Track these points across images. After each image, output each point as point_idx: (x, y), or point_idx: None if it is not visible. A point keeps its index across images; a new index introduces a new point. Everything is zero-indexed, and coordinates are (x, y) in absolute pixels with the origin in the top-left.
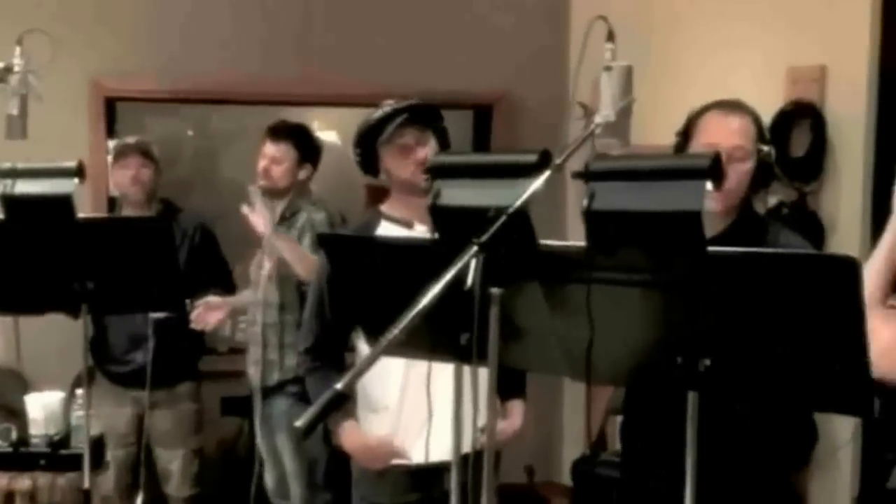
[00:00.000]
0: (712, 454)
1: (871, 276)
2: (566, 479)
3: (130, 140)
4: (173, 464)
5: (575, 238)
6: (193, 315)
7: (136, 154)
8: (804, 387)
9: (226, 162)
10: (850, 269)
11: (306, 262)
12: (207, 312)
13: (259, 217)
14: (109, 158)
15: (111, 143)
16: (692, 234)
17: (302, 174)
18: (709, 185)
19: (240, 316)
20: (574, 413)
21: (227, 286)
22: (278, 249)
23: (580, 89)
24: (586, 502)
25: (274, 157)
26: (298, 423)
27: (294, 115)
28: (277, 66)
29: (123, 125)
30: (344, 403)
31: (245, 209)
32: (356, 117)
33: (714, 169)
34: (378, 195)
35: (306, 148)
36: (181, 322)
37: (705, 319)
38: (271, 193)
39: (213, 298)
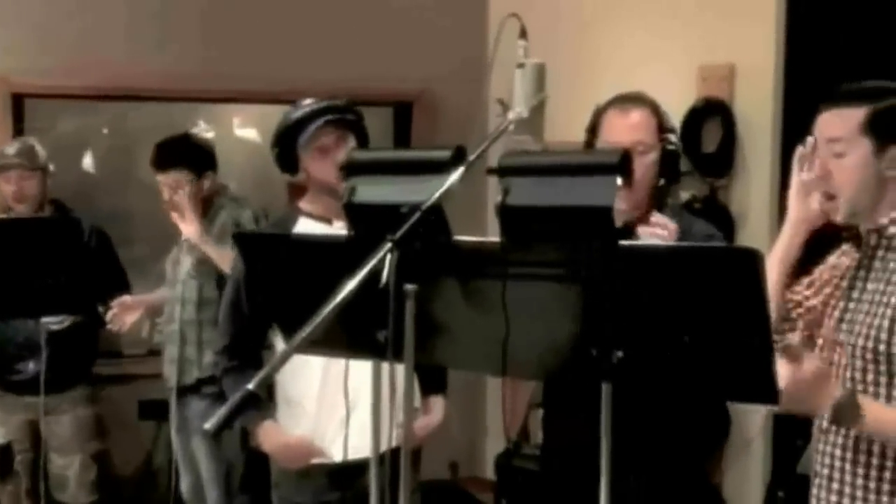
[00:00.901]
0: (628, 445)
1: (773, 266)
2: (490, 473)
3: (10, 150)
4: (69, 470)
5: (496, 234)
6: (109, 315)
7: (17, 166)
8: (713, 376)
9: (142, 160)
10: (752, 261)
11: (230, 260)
12: (124, 312)
13: (189, 225)
14: None
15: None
16: (604, 229)
17: (206, 184)
18: (619, 181)
19: (156, 316)
20: (497, 408)
21: (124, 289)
22: (204, 250)
23: (499, 86)
24: (510, 496)
25: (170, 185)
26: (208, 424)
27: (210, 112)
28: (193, 63)
29: (33, 123)
30: (255, 403)
31: (175, 217)
32: (277, 114)
33: (623, 164)
34: (300, 192)
35: (198, 162)
36: (75, 327)
37: (618, 312)
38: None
39: (128, 298)
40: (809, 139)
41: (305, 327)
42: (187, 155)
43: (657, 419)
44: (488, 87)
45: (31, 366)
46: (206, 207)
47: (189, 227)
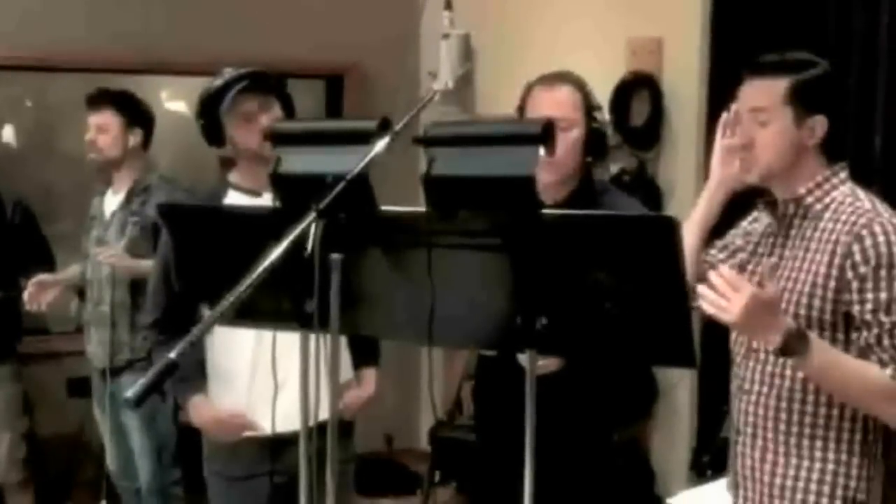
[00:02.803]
0: (554, 412)
1: (691, 228)
2: (424, 444)
3: None
4: None
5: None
6: (26, 295)
7: None
8: (634, 342)
9: (65, 133)
10: (668, 228)
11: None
12: (41, 292)
13: (113, 259)
14: None
15: None
16: (526, 198)
17: (132, 140)
18: (541, 152)
19: (75, 292)
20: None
21: (49, 265)
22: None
23: (430, 59)
24: (444, 467)
25: (98, 125)
26: (130, 392)
27: (138, 84)
28: (118, 34)
29: None
30: (185, 377)
31: (96, 201)
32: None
33: (545, 134)
34: (231, 167)
35: (131, 112)
36: (2, 302)
37: (541, 280)
38: (105, 166)
39: (45, 277)
40: (733, 106)
41: (229, 296)
42: (121, 100)
43: (583, 387)
44: (419, 59)
45: None
46: (136, 185)
47: (108, 258)
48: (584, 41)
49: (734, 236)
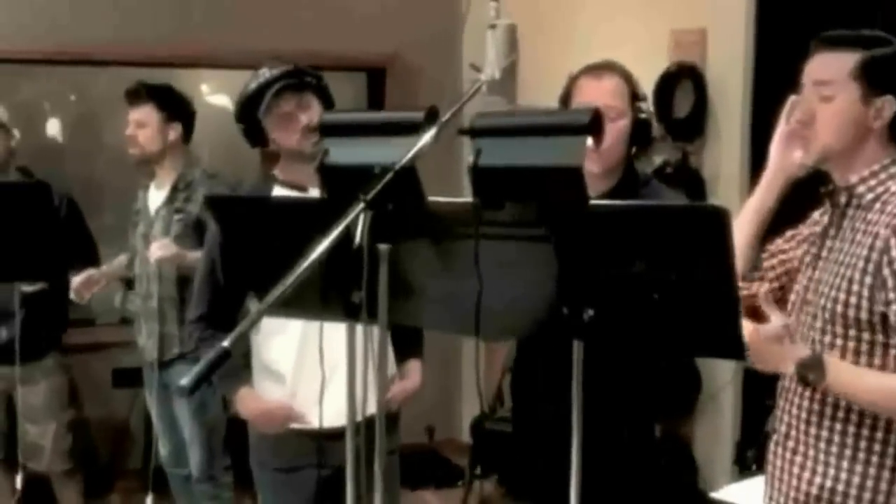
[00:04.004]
0: (598, 405)
1: (747, 215)
2: (466, 437)
3: None
4: (44, 439)
5: (471, 196)
6: (73, 287)
7: None
8: (681, 333)
9: (109, 126)
10: (719, 218)
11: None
12: (88, 286)
13: (162, 252)
14: None
15: None
16: (574, 188)
17: (172, 134)
18: (589, 141)
19: (114, 281)
20: (473, 372)
21: (93, 259)
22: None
23: (472, 50)
24: (485, 459)
25: (137, 120)
26: (184, 381)
27: (180, 77)
28: (162, 28)
29: None
30: (232, 370)
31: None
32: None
33: (594, 124)
34: (272, 159)
35: (171, 106)
36: (49, 294)
37: (588, 271)
38: (147, 161)
39: (93, 272)
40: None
41: (279, 287)
42: (163, 96)
43: (626, 377)
44: (461, 50)
45: (2, 333)
46: (180, 180)
47: (157, 251)
48: (627, 32)
49: (805, 226)
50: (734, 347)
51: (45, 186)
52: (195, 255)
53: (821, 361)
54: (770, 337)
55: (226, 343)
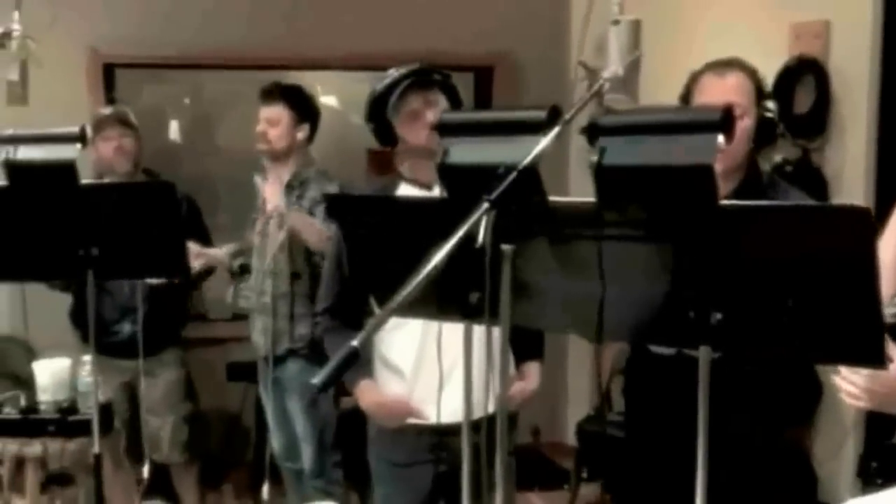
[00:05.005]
0: (725, 412)
1: (888, 245)
2: (571, 439)
3: (106, 111)
4: (163, 431)
5: (578, 194)
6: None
7: (116, 124)
8: (817, 339)
9: (222, 128)
10: (863, 219)
11: (318, 233)
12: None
13: (274, 191)
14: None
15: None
16: (704, 188)
17: (300, 134)
18: (720, 139)
19: (232, 281)
20: (579, 373)
21: None
22: (290, 221)
23: (582, 49)
24: (591, 462)
25: (269, 118)
26: (315, 379)
27: (291, 79)
28: (273, 31)
29: (122, 92)
30: (357, 360)
31: (258, 180)
32: (357, 82)
33: (725, 121)
34: (380, 160)
35: (301, 107)
36: (170, 290)
37: (717, 273)
38: (273, 157)
39: (192, 246)
40: None
41: (404, 288)
42: (296, 97)
43: (755, 383)
44: (570, 49)
45: (126, 328)
46: (294, 178)
47: (272, 193)
48: (745, 26)
49: None
50: (874, 354)
51: (171, 186)
52: (321, 227)
53: None
54: (886, 384)
55: (355, 342)
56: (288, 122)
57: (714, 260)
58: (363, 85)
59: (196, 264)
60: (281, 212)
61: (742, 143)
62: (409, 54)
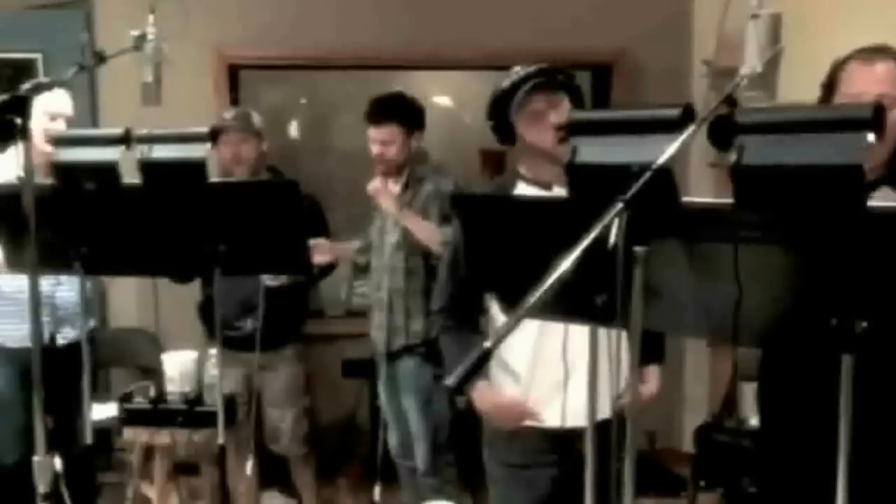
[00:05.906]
0: (870, 424)
1: None
2: (688, 445)
3: (228, 115)
4: (283, 423)
5: (698, 193)
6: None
7: (235, 130)
8: None
9: (338, 128)
10: None
11: (432, 235)
12: (314, 254)
13: (387, 197)
14: None
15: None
16: (852, 190)
17: (415, 143)
18: (871, 138)
19: (347, 279)
20: (696, 378)
21: None
22: (404, 222)
23: (702, 46)
24: (708, 470)
25: (383, 140)
26: (449, 380)
27: (407, 80)
28: (390, 32)
29: (245, 93)
30: (490, 359)
31: (371, 188)
32: (470, 81)
33: (876, 119)
34: (493, 159)
35: (411, 118)
36: (292, 287)
37: (863, 279)
38: (394, 171)
39: (321, 241)
40: None
41: (536, 289)
42: (401, 110)
43: (890, 395)
44: (691, 45)
45: (248, 323)
46: (410, 176)
47: (387, 200)
48: (889, 17)
49: None
50: None
51: (295, 185)
52: (425, 225)
53: None
54: None
55: (488, 344)
56: (402, 139)
57: (860, 265)
58: (476, 84)
59: (324, 259)
60: (391, 213)
61: (891, 138)
62: (526, 53)
